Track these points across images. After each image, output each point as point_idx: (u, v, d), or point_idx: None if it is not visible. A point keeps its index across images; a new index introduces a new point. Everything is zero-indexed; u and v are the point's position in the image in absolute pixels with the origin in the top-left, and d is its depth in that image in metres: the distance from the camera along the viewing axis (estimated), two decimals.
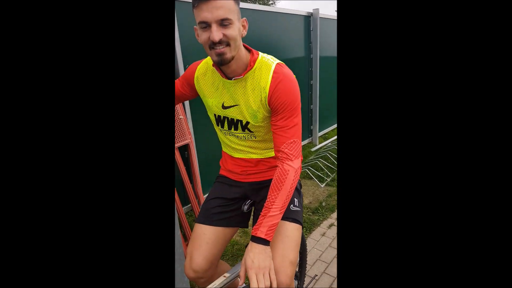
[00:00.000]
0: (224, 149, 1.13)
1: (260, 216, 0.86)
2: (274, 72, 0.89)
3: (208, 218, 1.06)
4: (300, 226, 0.98)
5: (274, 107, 0.91)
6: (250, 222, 1.14)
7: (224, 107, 0.97)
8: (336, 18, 3.93)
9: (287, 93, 0.89)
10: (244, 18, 0.88)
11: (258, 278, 0.79)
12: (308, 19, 3.46)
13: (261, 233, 0.83)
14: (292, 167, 0.89)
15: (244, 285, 0.81)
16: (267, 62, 0.91)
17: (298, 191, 1.05)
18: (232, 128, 1.00)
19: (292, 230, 0.95)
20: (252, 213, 1.13)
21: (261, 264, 0.81)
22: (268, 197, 0.88)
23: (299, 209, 1.01)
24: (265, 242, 0.83)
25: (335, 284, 1.67)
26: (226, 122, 1.00)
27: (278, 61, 0.93)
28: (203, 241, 1.02)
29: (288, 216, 0.96)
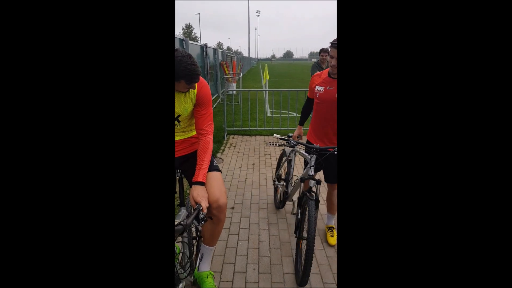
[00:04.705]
0: None
1: (196, 170, 1.48)
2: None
3: None
4: (220, 173, 1.64)
5: (199, 101, 1.53)
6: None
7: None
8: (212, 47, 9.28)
9: (207, 92, 1.54)
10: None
11: (204, 201, 1.35)
12: (203, 48, 8.12)
13: (200, 179, 1.45)
14: (211, 139, 1.57)
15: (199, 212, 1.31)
16: None
17: (213, 155, 1.67)
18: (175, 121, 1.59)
19: (218, 175, 1.60)
20: (179, 179, 1.71)
21: (203, 194, 1.40)
22: (198, 159, 1.50)
23: (217, 164, 1.68)
24: (202, 183, 1.45)
25: None
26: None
27: None
28: None
29: (214, 169, 1.61)
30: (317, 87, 1.94)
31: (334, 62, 1.79)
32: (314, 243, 1.65)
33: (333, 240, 2.27)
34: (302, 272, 1.74)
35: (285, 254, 2.16)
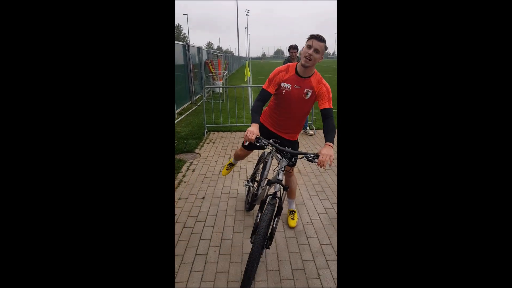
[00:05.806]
0: None
1: None
2: None
3: None
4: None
5: None
6: None
7: None
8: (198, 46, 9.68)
9: None
10: None
11: None
12: (185, 47, 8.18)
13: None
14: None
15: None
16: None
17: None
18: None
19: None
20: None
21: None
22: None
23: None
24: None
25: None
26: None
27: None
28: None
29: None
30: (283, 84, 1.92)
31: (311, 51, 1.74)
32: (260, 250, 1.55)
33: (293, 222, 2.41)
34: (241, 280, 1.61)
35: (247, 236, 2.28)
